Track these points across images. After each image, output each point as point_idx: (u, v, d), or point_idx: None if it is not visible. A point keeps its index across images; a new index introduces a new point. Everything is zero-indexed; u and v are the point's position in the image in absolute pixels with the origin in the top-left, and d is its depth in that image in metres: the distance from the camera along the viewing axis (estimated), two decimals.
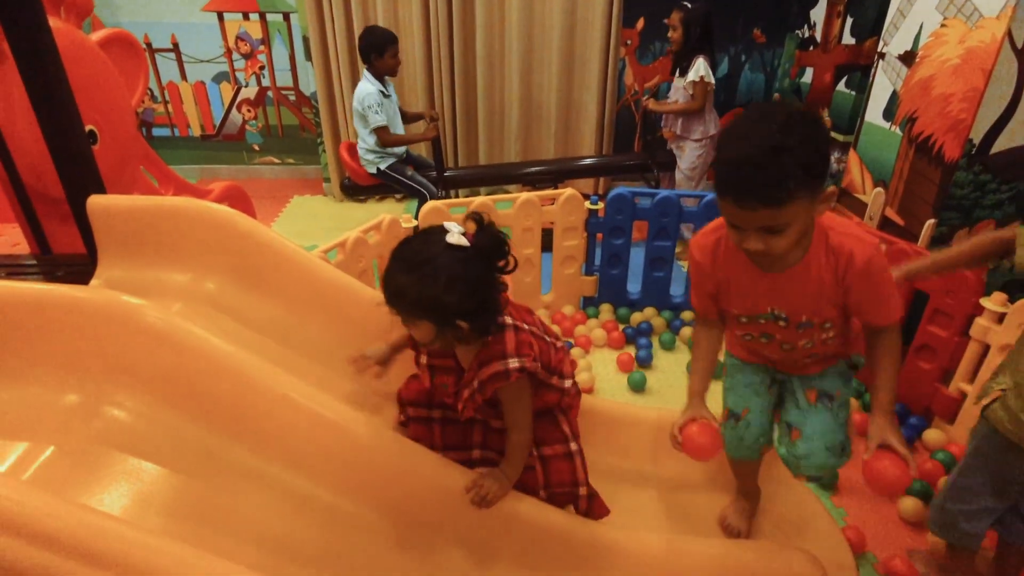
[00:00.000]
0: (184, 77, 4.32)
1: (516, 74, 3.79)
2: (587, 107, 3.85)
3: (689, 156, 3.21)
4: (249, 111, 4.45)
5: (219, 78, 4.33)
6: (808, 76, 3.47)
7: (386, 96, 3.11)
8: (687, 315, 2.69)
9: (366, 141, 3.13)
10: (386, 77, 3.14)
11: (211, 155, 4.59)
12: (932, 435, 1.97)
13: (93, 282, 1.27)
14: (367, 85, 3.04)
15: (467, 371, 1.18)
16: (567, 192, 2.53)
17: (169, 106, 4.41)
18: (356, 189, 3.39)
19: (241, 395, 1.11)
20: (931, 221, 2.04)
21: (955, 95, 1.92)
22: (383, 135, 3.09)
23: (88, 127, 1.68)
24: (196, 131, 4.51)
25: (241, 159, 4.61)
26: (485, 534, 1.21)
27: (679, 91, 3.16)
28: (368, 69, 3.07)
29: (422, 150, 3.63)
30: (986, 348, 1.84)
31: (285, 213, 4.01)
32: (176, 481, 1.05)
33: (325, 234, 3.39)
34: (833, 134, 3.11)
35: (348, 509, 1.18)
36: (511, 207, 2.49)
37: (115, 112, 1.77)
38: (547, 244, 2.61)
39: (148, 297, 1.28)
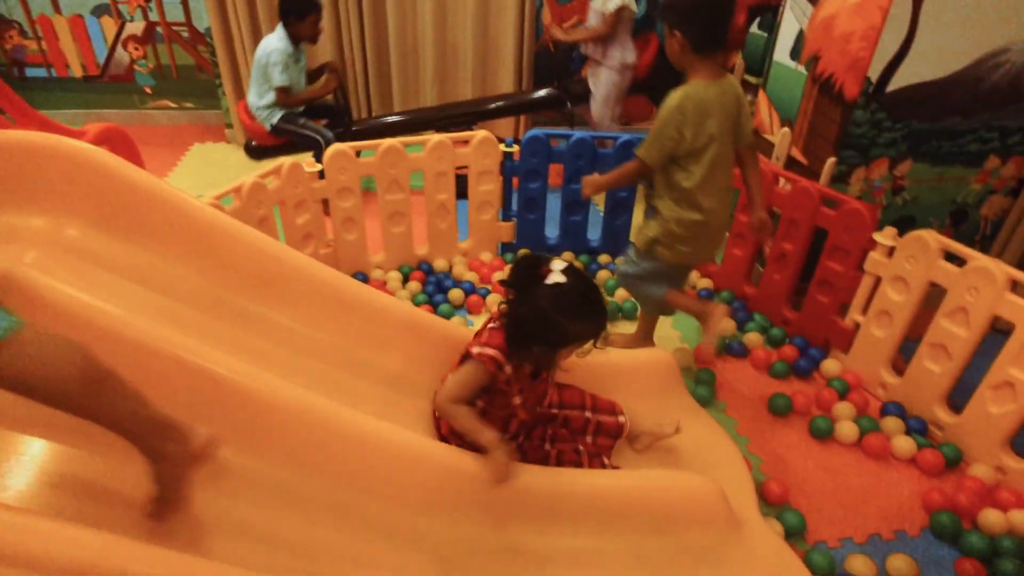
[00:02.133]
0: (58, 10, 3.86)
1: (429, 16, 3.59)
2: (504, 48, 3.72)
3: (604, 82, 3.18)
4: (137, 49, 4.04)
5: (99, 11, 3.89)
6: None
7: (296, 61, 2.90)
8: (604, 258, 2.70)
9: (259, 95, 2.94)
10: (302, 44, 2.92)
11: (97, 99, 4.17)
12: (829, 364, 2.08)
13: None
14: (276, 41, 2.82)
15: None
16: (480, 134, 2.45)
17: (43, 43, 3.95)
18: (261, 151, 3.16)
19: (111, 353, 1.00)
20: (831, 160, 2.09)
21: (855, 33, 1.95)
22: (282, 96, 2.91)
23: None
24: (77, 72, 4.08)
25: (132, 103, 4.22)
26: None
27: (597, 15, 3.09)
28: (284, 27, 2.83)
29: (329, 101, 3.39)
30: (878, 280, 1.94)
31: (184, 162, 3.72)
32: (61, 451, 0.95)
33: (230, 184, 3.16)
34: (746, 76, 3.14)
35: (241, 466, 1.11)
36: (422, 150, 2.39)
37: None
38: (464, 191, 2.54)
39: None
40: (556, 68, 3.98)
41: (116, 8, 3.88)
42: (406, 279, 2.50)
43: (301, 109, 3.08)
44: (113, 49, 4.03)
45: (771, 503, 1.61)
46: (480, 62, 3.77)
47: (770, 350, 2.18)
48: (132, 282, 1.16)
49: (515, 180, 2.60)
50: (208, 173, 3.58)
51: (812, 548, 1.48)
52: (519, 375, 1.33)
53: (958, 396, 1.80)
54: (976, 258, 1.68)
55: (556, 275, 1.25)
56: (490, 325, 1.37)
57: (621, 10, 2.99)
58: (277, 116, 2.98)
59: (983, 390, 1.70)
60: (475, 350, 1.31)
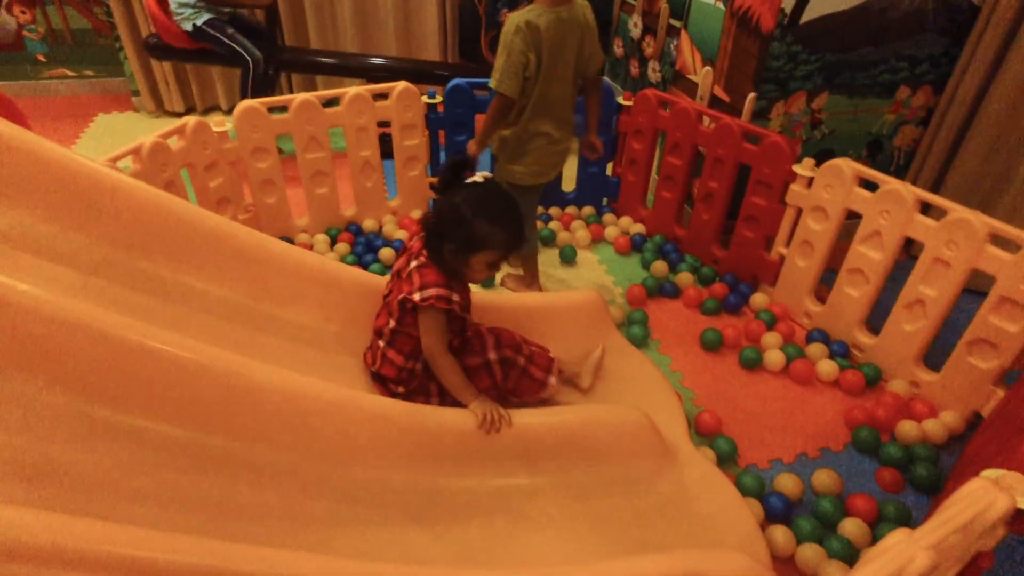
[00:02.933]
0: None
1: None
2: (426, 4, 3.57)
3: None
4: (24, 13, 3.70)
5: None
6: None
7: None
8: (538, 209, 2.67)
9: None
10: None
11: None
12: (757, 298, 2.13)
13: None
14: None
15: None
16: (400, 85, 2.35)
17: None
18: (165, 51, 2.87)
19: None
20: (751, 95, 2.10)
21: None
22: None
23: None
24: None
25: (24, 73, 3.88)
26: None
27: None
28: None
29: (258, 20, 3.12)
30: (800, 212, 1.98)
31: (88, 134, 3.46)
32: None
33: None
34: (672, 21, 3.12)
35: (165, 434, 1.03)
36: (339, 104, 2.28)
37: None
38: (390, 151, 2.45)
39: None
40: (482, 25, 3.87)
41: None
42: (334, 241, 2.41)
43: (227, 16, 2.82)
44: None
45: (705, 433, 1.64)
46: (401, 19, 3.61)
47: (701, 289, 2.22)
48: (20, 251, 1.04)
49: (441, 133, 2.53)
50: (115, 144, 3.32)
51: (744, 471, 1.52)
52: (464, 297, 1.37)
53: (876, 319, 1.87)
54: (887, 182, 1.72)
55: (476, 178, 1.30)
56: (414, 264, 1.35)
57: None
58: (203, 18, 2.71)
59: (897, 310, 1.77)
60: (417, 296, 1.29)
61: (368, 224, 2.50)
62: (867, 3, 1.99)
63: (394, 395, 1.37)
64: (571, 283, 2.28)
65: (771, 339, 1.93)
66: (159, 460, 0.94)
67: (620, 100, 2.46)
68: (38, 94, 3.93)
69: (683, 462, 1.35)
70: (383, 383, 1.41)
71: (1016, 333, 1.52)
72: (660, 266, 2.29)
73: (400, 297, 1.34)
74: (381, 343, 1.40)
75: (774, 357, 1.87)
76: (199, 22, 2.72)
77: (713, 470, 1.35)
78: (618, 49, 3.96)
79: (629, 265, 2.39)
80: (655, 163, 2.53)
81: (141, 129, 3.48)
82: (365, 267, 2.24)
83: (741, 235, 2.18)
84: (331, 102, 2.30)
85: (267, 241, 1.42)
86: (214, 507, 0.95)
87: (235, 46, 2.73)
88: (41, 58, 3.86)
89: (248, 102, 2.15)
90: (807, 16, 1.97)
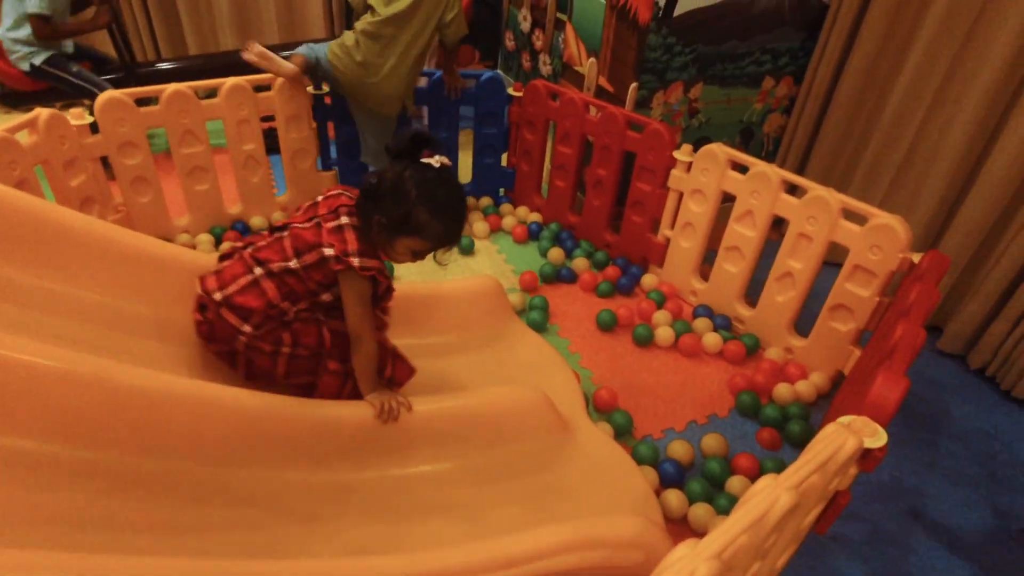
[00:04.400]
0: None
1: None
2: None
3: None
4: None
5: None
6: None
7: None
8: None
9: (13, 26, 2.43)
10: None
11: None
12: (648, 279, 2.23)
13: None
14: None
15: None
16: (287, 70, 2.25)
17: None
18: (16, 97, 2.67)
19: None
20: (633, 85, 2.20)
21: None
22: (40, 27, 2.39)
23: None
24: None
25: None
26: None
27: None
28: None
29: (107, 46, 2.92)
30: (681, 196, 2.09)
31: None
32: None
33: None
34: (559, 15, 3.20)
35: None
36: (217, 96, 2.16)
37: None
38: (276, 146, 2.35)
39: None
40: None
41: None
42: (219, 240, 2.28)
43: (70, 50, 2.62)
44: None
45: (602, 409, 1.70)
46: (283, 5, 3.47)
47: (596, 273, 2.29)
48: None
49: (330, 125, 2.46)
50: None
51: (640, 442, 1.59)
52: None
53: (754, 293, 2.02)
54: (756, 164, 1.86)
55: (435, 162, 1.22)
56: (345, 220, 1.22)
57: None
58: (40, 57, 2.50)
59: (770, 283, 1.92)
60: (356, 262, 1.18)
61: (256, 221, 2.38)
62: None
63: (237, 332, 1.22)
64: (470, 272, 2.29)
65: (661, 317, 2.04)
66: (12, 477, 0.85)
67: (510, 91, 2.49)
68: None
69: (581, 438, 1.40)
70: (233, 311, 1.22)
71: (868, 297, 1.69)
72: (556, 253, 2.34)
73: (329, 252, 1.19)
74: (259, 270, 1.23)
75: (664, 334, 1.97)
76: (37, 62, 2.49)
77: (609, 443, 1.41)
78: (509, 43, 4.01)
79: (528, 253, 2.43)
80: (548, 153, 2.59)
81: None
82: None
83: (630, 220, 2.28)
84: (210, 94, 2.17)
85: (137, 238, 1.32)
86: (74, 521, 0.87)
87: (81, 82, 2.54)
88: None
89: (112, 92, 1.99)
90: (679, 10, 2.09)
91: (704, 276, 2.15)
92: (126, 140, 2.04)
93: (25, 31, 2.44)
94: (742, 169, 1.91)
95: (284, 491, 1.12)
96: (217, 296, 1.23)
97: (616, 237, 2.36)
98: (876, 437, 1.01)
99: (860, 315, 1.72)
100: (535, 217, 2.58)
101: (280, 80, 2.24)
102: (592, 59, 2.43)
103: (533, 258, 2.40)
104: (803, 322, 1.93)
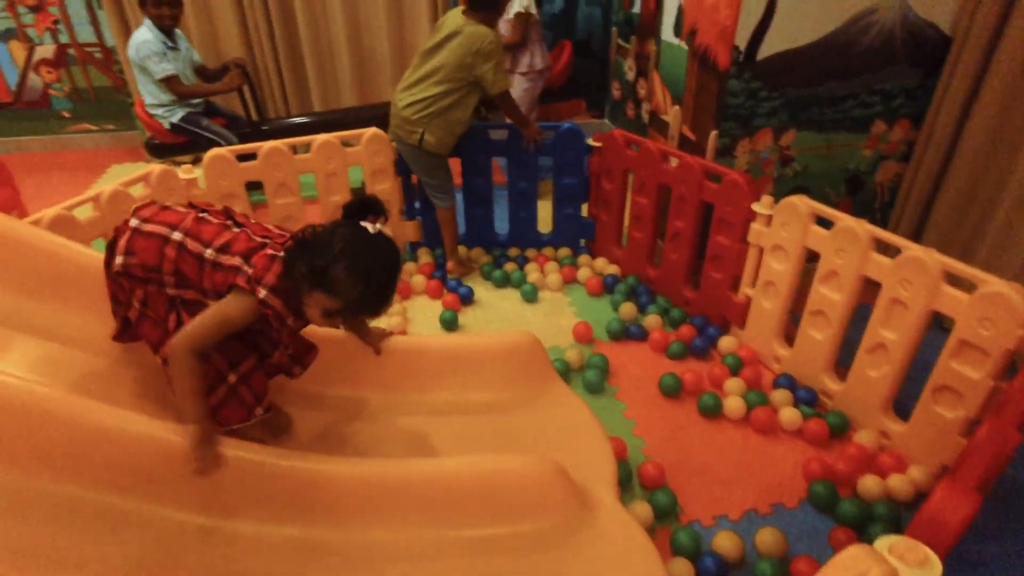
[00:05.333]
0: None
1: (340, 16, 3.56)
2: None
3: (515, 90, 3.12)
4: (50, 73, 3.96)
5: (6, 36, 3.81)
6: (638, 6, 3.45)
7: (171, 47, 2.82)
8: (513, 251, 2.65)
9: (152, 96, 2.86)
10: (175, 30, 2.86)
11: (12, 127, 4.08)
12: (726, 341, 2.03)
13: None
14: (144, 32, 2.75)
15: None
16: (370, 131, 2.39)
17: None
18: (163, 149, 3.09)
19: None
20: (713, 133, 2.06)
21: (721, 1, 1.92)
22: (175, 87, 2.81)
23: None
24: None
25: (51, 128, 4.13)
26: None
27: (504, 24, 3.07)
28: (147, 17, 2.77)
29: (236, 105, 3.34)
30: (763, 252, 1.90)
31: (97, 185, 3.62)
32: None
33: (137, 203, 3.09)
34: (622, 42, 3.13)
35: (70, 494, 1.02)
36: (309, 151, 2.33)
37: None
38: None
39: None
40: None
41: (23, 32, 3.80)
42: None
43: (201, 108, 3.00)
44: (25, 75, 3.94)
45: (647, 485, 1.55)
46: (397, 65, 3.73)
47: (669, 332, 2.13)
48: None
49: (414, 177, 2.55)
50: None
51: (682, 528, 1.41)
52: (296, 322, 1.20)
53: (848, 364, 1.75)
54: (841, 219, 1.64)
55: (371, 227, 1.14)
56: (269, 249, 1.17)
57: (523, 16, 2.96)
58: (178, 115, 2.90)
59: (861, 355, 1.66)
60: (262, 293, 1.12)
61: None
62: (828, 38, 1.94)
63: (113, 257, 1.19)
64: (533, 325, 2.23)
65: (733, 385, 1.83)
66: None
67: (590, 141, 2.44)
68: (64, 147, 4.16)
69: (602, 516, 1.26)
70: (129, 241, 1.19)
71: (979, 380, 1.39)
72: (628, 308, 2.21)
73: (247, 270, 1.14)
74: (177, 235, 1.18)
75: (734, 404, 1.77)
76: (176, 120, 2.91)
77: (632, 525, 1.26)
78: (616, 92, 3.99)
79: (599, 308, 2.33)
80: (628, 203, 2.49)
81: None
82: None
83: (709, 276, 2.10)
84: (302, 150, 2.35)
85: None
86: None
87: (211, 136, 2.91)
88: (66, 114, 4.10)
89: (217, 150, 2.21)
90: (765, 52, 1.93)
91: (790, 341, 1.91)
92: (227, 192, 2.25)
93: (161, 95, 2.85)
94: (829, 223, 1.70)
95: (241, 546, 1.11)
96: (134, 222, 1.21)
97: (695, 294, 2.19)
98: (926, 568, 0.80)
99: (970, 401, 1.42)
100: (613, 269, 2.47)
101: (367, 135, 2.38)
102: (676, 107, 2.32)
103: (604, 313, 2.29)
104: (906, 402, 1.63)
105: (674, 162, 2.18)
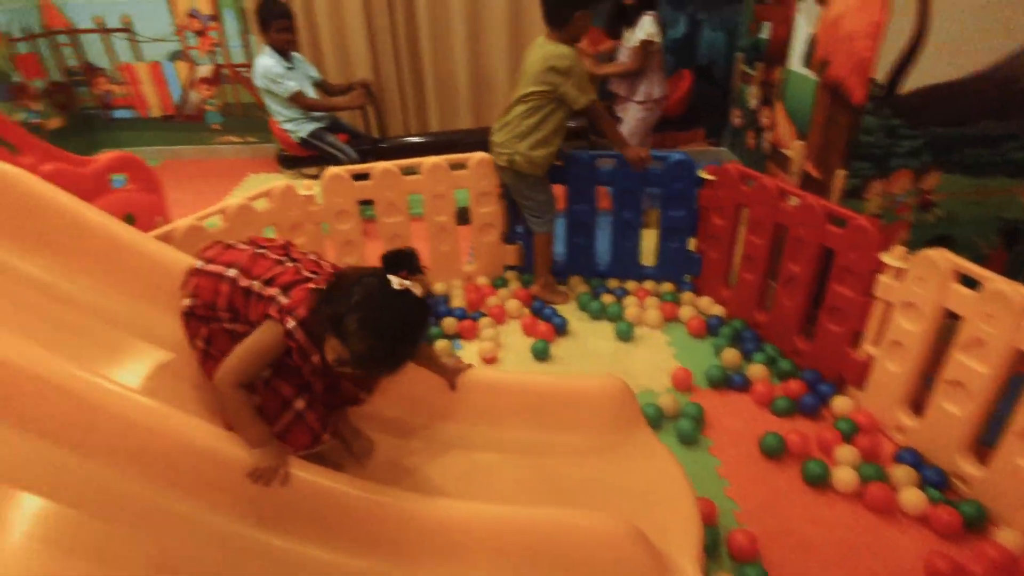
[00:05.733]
0: (139, 57, 4.28)
1: (462, 41, 3.67)
2: None
3: (631, 117, 3.05)
4: (207, 90, 4.40)
5: (174, 57, 4.28)
6: (767, 31, 3.28)
7: (289, 68, 3.06)
8: (613, 283, 2.57)
9: (281, 113, 3.11)
10: (291, 53, 3.11)
11: (173, 136, 4.56)
12: (840, 402, 1.84)
13: None
14: (265, 59, 3.01)
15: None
16: (477, 156, 2.42)
17: (127, 87, 4.39)
18: (292, 161, 3.34)
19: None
20: (841, 172, 1.88)
21: (859, 32, 1.76)
22: (301, 100, 3.04)
23: None
24: (156, 112, 4.49)
25: (203, 139, 4.58)
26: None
27: (626, 52, 3.01)
28: (266, 43, 3.02)
29: (359, 122, 3.53)
30: (890, 307, 1.70)
31: (235, 192, 3.96)
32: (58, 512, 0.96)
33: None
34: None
35: (130, 490, 1.09)
36: (419, 173, 2.40)
37: None
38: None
39: None
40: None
41: (188, 53, 4.25)
42: None
43: (327, 123, 3.21)
44: (186, 91, 4.41)
45: (736, 557, 1.41)
46: (513, 87, 3.78)
47: (775, 384, 1.96)
48: (43, 295, 1.21)
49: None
50: None
51: None
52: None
53: (992, 445, 1.52)
54: (991, 280, 1.42)
55: (396, 282, 1.10)
56: (312, 282, 1.19)
57: (646, 43, 2.89)
58: (306, 130, 3.14)
59: (1009, 438, 1.43)
60: (290, 324, 1.13)
61: (438, 287, 2.56)
62: (988, 71, 1.71)
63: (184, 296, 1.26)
64: (627, 363, 2.13)
65: (846, 453, 1.64)
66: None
67: (702, 174, 2.32)
68: (211, 156, 4.60)
69: None
70: (195, 280, 1.25)
71: None
72: (732, 354, 2.07)
73: (282, 300, 1.16)
74: (232, 272, 1.22)
75: (846, 476, 1.58)
76: (304, 134, 3.15)
77: None
78: (736, 120, 3.81)
79: (700, 350, 2.19)
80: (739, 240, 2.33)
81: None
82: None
83: (825, 328, 1.91)
84: (412, 170, 2.43)
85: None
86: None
87: (334, 151, 3.13)
88: (216, 127, 4.53)
89: (333, 169, 2.33)
90: (909, 86, 1.74)
91: (917, 410, 1.69)
92: (341, 209, 2.36)
93: (291, 111, 3.09)
94: (974, 283, 1.48)
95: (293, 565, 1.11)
96: (198, 264, 1.27)
97: (809, 345, 2.00)
98: None
99: None
100: (718, 310, 2.32)
101: (475, 159, 2.41)
102: (800, 142, 2.15)
103: (705, 356, 2.15)
104: None
105: (794, 201, 2.02)
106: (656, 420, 1.81)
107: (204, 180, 4.15)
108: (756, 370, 1.99)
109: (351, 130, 3.38)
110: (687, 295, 2.44)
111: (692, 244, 2.49)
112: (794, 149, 2.18)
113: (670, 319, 2.35)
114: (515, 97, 2.24)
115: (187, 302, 1.25)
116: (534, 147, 2.23)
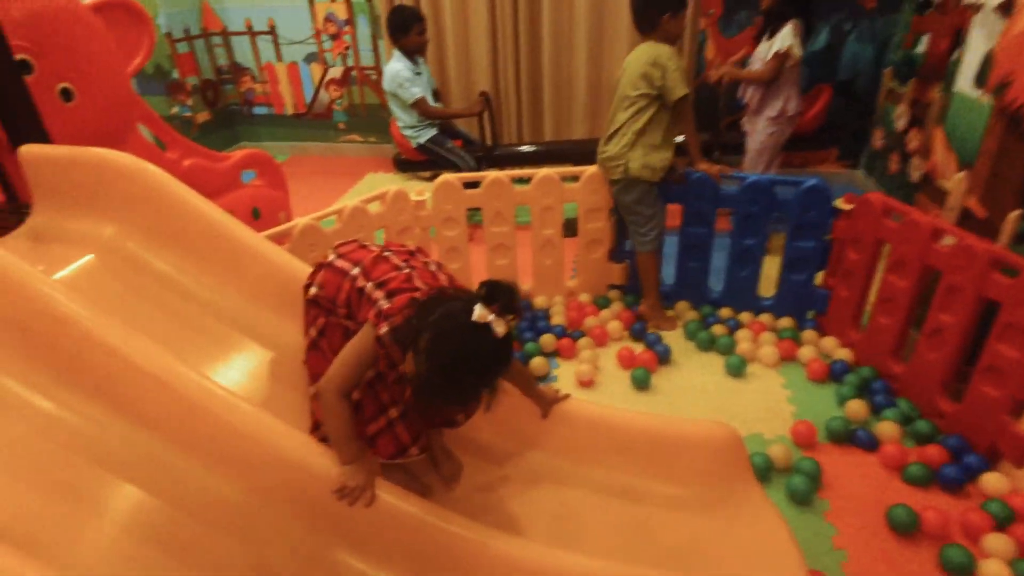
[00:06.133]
0: (280, 58, 4.57)
1: (583, 49, 3.60)
2: None
3: (760, 132, 2.84)
4: (336, 90, 4.62)
5: (310, 59, 4.53)
6: (924, 45, 2.94)
7: (417, 74, 3.14)
8: (725, 312, 2.39)
9: (403, 119, 3.21)
10: (417, 57, 3.17)
11: (302, 133, 4.84)
12: (992, 480, 1.58)
13: (20, 229, 1.34)
14: (395, 64, 3.10)
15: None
16: (591, 169, 2.34)
17: (267, 86, 4.70)
18: (406, 164, 3.43)
19: (115, 370, 1.09)
20: (1015, 213, 1.62)
21: None
22: (423, 107, 3.11)
23: (62, 85, 1.80)
24: (290, 110, 4.78)
25: (328, 137, 4.82)
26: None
27: (759, 61, 2.81)
28: (397, 48, 3.10)
29: (474, 129, 3.56)
30: None
31: (353, 190, 4.13)
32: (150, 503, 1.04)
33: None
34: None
35: (221, 492, 1.12)
36: (529, 184, 2.35)
37: (98, 73, 1.87)
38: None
39: (68, 247, 1.33)
40: (720, 109, 3.70)
41: (322, 56, 4.49)
42: None
43: (444, 128, 3.28)
44: (318, 91, 4.65)
45: None
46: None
47: (908, 448, 1.73)
48: (168, 290, 1.28)
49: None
50: None
51: None
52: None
53: None
54: None
55: (478, 314, 1.02)
56: (416, 296, 1.15)
57: (782, 56, 2.68)
58: (425, 136, 3.22)
59: None
60: (383, 330, 1.10)
61: (540, 301, 2.50)
62: None
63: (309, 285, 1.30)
64: (734, 403, 1.97)
65: (998, 543, 1.40)
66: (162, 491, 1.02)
67: (838, 203, 2.10)
68: (335, 153, 4.83)
69: None
70: (321, 273, 1.30)
71: None
72: (858, 406, 1.85)
73: (383, 305, 1.15)
74: (356, 271, 1.25)
75: (995, 570, 1.35)
76: (422, 140, 3.24)
77: None
78: (878, 141, 3.47)
79: (821, 397, 1.98)
80: (876, 279, 2.09)
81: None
82: (522, 344, 2.22)
83: (979, 391, 1.66)
84: (522, 180, 2.39)
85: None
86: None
87: (451, 157, 3.21)
88: (341, 126, 4.76)
89: (445, 176, 2.34)
90: None
91: None
92: (449, 216, 2.37)
93: (412, 118, 3.17)
94: None
95: None
96: (330, 257, 1.30)
97: (955, 407, 1.74)
98: None
99: None
100: (843, 354, 2.09)
101: (588, 173, 2.34)
102: (962, 173, 1.89)
103: (826, 405, 1.94)
104: None
105: (949, 241, 1.77)
106: (764, 472, 1.65)
107: (326, 177, 4.36)
108: (886, 428, 1.77)
109: (466, 136, 3.42)
110: (809, 334, 2.22)
111: (819, 278, 2.27)
112: (954, 182, 1.92)
113: (787, 358, 2.15)
114: (616, 106, 2.22)
115: (314, 291, 1.29)
116: (648, 153, 2.16)
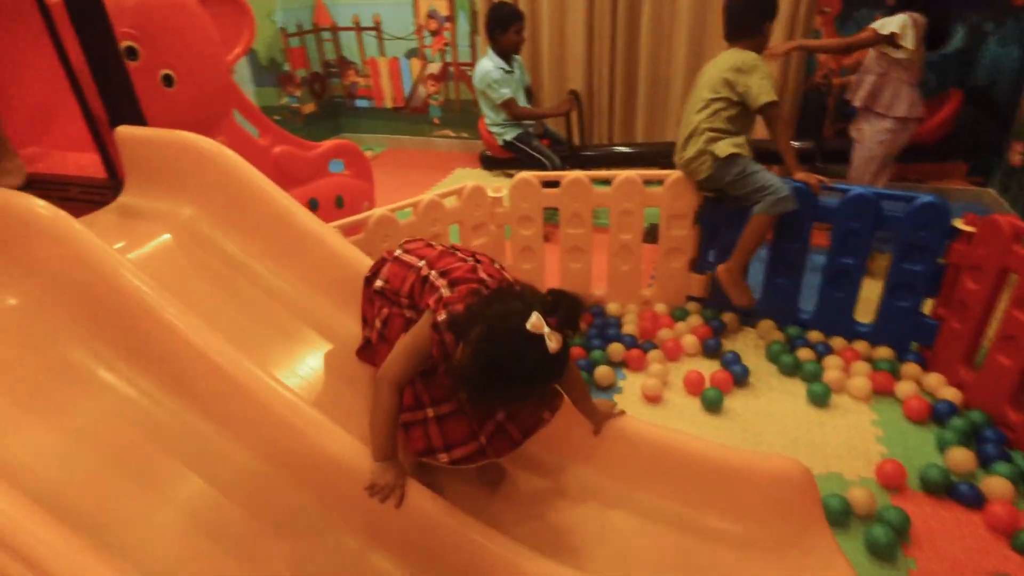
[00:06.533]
0: (383, 53, 4.72)
1: (684, 46, 3.45)
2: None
3: (870, 138, 2.57)
4: (433, 86, 4.71)
5: (411, 54, 4.65)
6: None
7: (509, 72, 3.11)
8: (815, 336, 2.19)
9: (490, 116, 3.20)
10: (512, 55, 3.14)
11: (399, 126, 4.98)
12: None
13: (112, 204, 1.44)
14: (487, 63, 3.08)
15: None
16: (675, 174, 2.22)
17: (369, 80, 4.87)
18: (492, 162, 3.44)
19: (174, 351, 1.14)
20: None
21: None
22: (512, 108, 3.09)
23: (165, 71, 1.91)
24: (389, 103, 4.92)
25: (423, 131, 4.92)
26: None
27: (873, 60, 2.55)
28: (492, 46, 3.09)
29: (562, 128, 3.50)
30: None
31: (442, 183, 4.19)
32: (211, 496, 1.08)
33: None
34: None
35: (266, 474, 1.14)
36: (609, 186, 2.27)
37: (199, 62, 1.98)
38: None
39: (150, 224, 1.40)
40: (828, 114, 3.43)
41: (423, 51, 4.59)
42: None
43: (531, 128, 3.25)
44: (416, 86, 4.76)
45: None
46: None
47: (1022, 510, 1.50)
48: (236, 272, 1.32)
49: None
50: None
51: None
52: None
53: None
54: None
55: (532, 323, 0.98)
56: (478, 289, 1.13)
57: (882, 38, 2.40)
58: (511, 134, 3.20)
59: None
60: (440, 317, 1.08)
61: (612, 308, 2.41)
62: None
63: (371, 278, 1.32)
64: (815, 436, 1.80)
65: None
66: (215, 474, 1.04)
67: (958, 224, 1.87)
68: (428, 148, 4.93)
69: None
70: (388, 266, 1.31)
71: None
72: (963, 455, 1.63)
73: (444, 292, 1.14)
74: (422, 263, 1.25)
75: None
76: (509, 138, 3.21)
77: None
78: (1016, 156, 3.09)
79: (918, 440, 1.77)
80: (996, 313, 1.84)
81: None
82: (588, 351, 2.15)
83: (994, 360, 1.41)
84: (603, 181, 2.31)
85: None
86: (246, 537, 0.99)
87: (537, 155, 3.16)
88: (436, 121, 4.84)
89: (524, 174, 2.30)
90: None
91: None
92: (525, 214, 2.33)
93: (499, 116, 3.16)
94: None
95: None
96: (397, 251, 1.32)
97: None
98: None
99: None
100: (951, 394, 1.86)
101: (672, 177, 2.22)
102: None
103: (923, 450, 1.73)
104: None
105: None
106: (839, 517, 1.49)
107: (417, 169, 4.45)
108: (996, 484, 1.54)
109: (553, 135, 3.38)
110: (910, 367, 1.99)
111: (927, 307, 2.03)
112: None
113: (882, 392, 1.94)
114: (689, 109, 2.17)
115: (380, 283, 1.31)
116: (732, 140, 2.08)
